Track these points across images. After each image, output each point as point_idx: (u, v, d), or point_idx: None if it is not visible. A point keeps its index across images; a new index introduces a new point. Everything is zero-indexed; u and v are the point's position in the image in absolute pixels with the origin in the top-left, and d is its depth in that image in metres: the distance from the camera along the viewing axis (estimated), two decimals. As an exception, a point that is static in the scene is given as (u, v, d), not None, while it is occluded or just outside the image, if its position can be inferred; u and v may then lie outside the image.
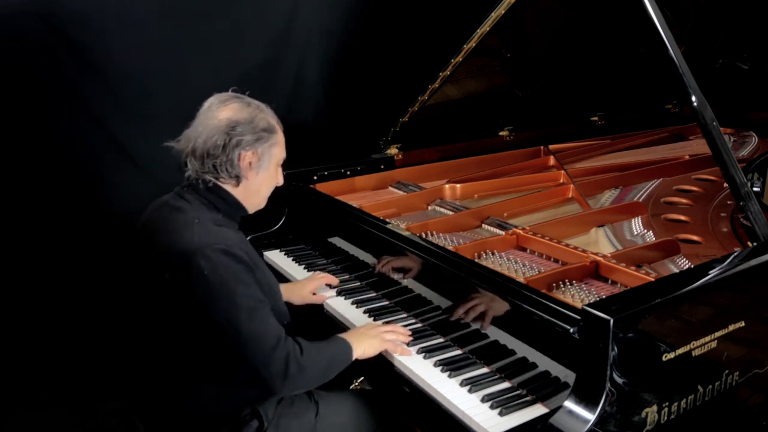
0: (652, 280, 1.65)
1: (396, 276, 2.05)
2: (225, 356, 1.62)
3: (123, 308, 2.68)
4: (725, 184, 2.27)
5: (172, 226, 1.62)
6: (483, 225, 2.27)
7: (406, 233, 2.01)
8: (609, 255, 1.84)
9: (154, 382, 1.79)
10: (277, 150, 1.73)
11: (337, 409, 1.80)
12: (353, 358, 1.71)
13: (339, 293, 2.13)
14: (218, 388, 1.67)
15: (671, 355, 1.41)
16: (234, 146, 1.63)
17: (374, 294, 2.11)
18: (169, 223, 1.64)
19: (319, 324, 2.08)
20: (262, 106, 1.72)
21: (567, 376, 1.49)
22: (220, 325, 1.53)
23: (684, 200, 2.39)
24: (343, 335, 1.76)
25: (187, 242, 1.55)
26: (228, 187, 1.70)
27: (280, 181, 1.81)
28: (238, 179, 1.69)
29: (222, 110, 1.66)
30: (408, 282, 2.01)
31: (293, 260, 2.42)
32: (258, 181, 1.72)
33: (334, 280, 2.16)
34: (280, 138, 1.74)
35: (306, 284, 2.13)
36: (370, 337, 1.76)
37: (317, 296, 2.11)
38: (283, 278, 2.30)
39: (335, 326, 2.02)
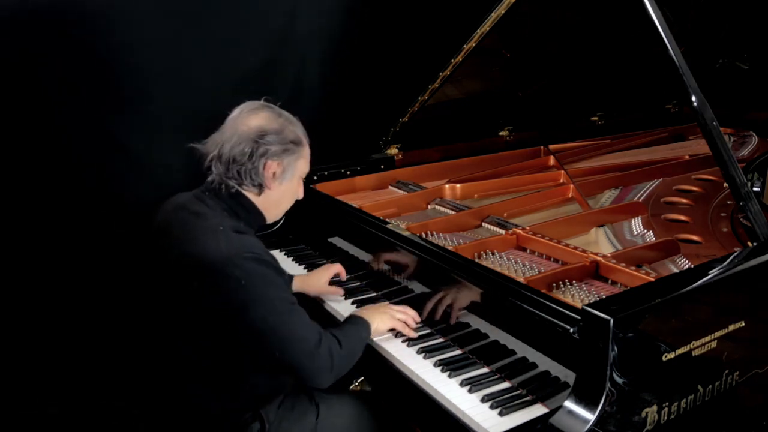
0: (652, 280, 1.64)
1: (396, 276, 2.05)
2: (234, 361, 1.62)
3: (125, 308, 2.68)
4: (725, 184, 2.27)
5: (196, 234, 1.60)
6: (483, 225, 2.27)
7: (406, 233, 2.01)
8: (609, 255, 1.84)
9: (158, 383, 1.79)
10: (301, 163, 1.75)
11: (337, 411, 1.81)
12: (370, 335, 1.78)
13: (339, 293, 2.14)
14: (221, 391, 1.67)
15: (671, 355, 1.41)
16: (261, 155, 1.64)
17: (374, 294, 2.11)
18: (191, 229, 1.62)
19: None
20: (292, 119, 1.73)
21: (567, 376, 1.49)
22: (260, 332, 1.54)
23: (684, 200, 2.39)
24: (357, 312, 1.83)
25: (215, 251, 1.54)
26: (250, 195, 1.71)
27: (300, 195, 1.83)
28: (260, 188, 1.69)
29: (252, 118, 1.67)
30: (408, 282, 2.01)
31: (293, 260, 2.42)
32: (280, 192, 1.73)
33: (343, 273, 2.17)
34: (306, 152, 1.76)
35: (322, 274, 2.13)
36: (380, 313, 1.83)
37: (333, 288, 2.11)
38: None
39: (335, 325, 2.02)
